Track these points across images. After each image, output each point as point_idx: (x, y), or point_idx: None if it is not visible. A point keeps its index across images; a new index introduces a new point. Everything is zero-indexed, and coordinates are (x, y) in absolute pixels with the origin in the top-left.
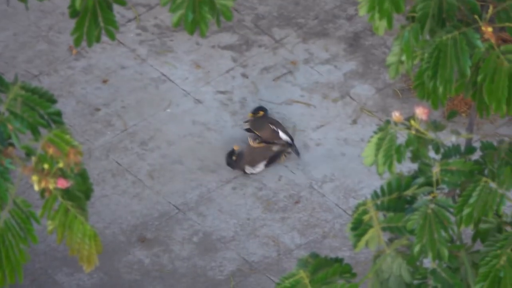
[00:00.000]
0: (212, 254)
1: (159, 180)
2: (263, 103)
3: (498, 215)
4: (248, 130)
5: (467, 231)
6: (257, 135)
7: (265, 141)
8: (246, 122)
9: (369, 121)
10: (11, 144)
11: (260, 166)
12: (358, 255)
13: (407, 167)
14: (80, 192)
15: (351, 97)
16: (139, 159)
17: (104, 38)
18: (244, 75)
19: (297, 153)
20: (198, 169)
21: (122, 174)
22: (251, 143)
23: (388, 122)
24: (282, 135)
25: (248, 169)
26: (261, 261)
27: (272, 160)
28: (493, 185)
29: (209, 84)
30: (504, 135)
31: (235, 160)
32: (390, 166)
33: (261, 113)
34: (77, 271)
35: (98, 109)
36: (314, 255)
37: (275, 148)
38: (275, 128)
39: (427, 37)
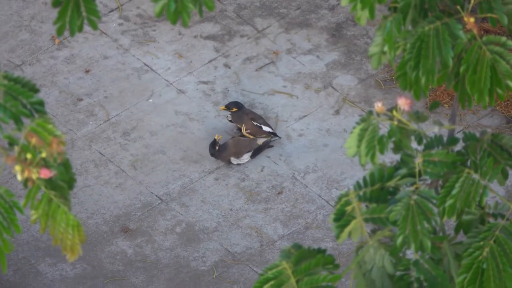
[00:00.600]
0: (195, 245)
1: (141, 170)
2: (245, 93)
3: (481, 206)
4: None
5: (451, 223)
6: (240, 128)
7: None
8: (230, 114)
9: (351, 111)
10: None
11: (246, 157)
12: (341, 246)
13: (390, 158)
14: (63, 182)
15: (333, 88)
16: (122, 149)
17: (87, 28)
18: (227, 65)
19: (278, 137)
20: (181, 160)
21: (104, 164)
22: (243, 131)
23: (370, 112)
24: (265, 128)
25: (234, 160)
26: (244, 252)
27: (257, 151)
28: (475, 176)
29: (191, 74)
30: (487, 126)
31: (218, 150)
32: (372, 157)
33: (234, 109)
34: (60, 261)
35: (80, 99)
36: (297, 246)
37: (259, 141)
38: (257, 124)
39: (410, 27)
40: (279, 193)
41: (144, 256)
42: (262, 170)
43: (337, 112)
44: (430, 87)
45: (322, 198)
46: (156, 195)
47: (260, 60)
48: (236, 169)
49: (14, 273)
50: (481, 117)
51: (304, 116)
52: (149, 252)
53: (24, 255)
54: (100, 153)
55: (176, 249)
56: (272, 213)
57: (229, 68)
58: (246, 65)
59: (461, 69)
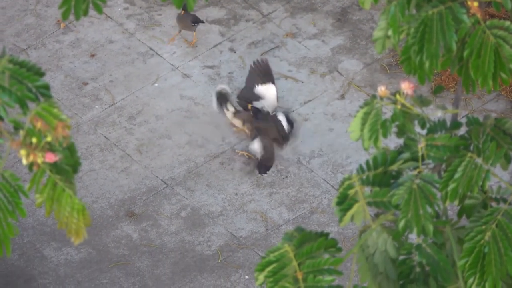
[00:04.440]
0: (200, 229)
1: (147, 154)
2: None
3: (483, 191)
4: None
5: (455, 207)
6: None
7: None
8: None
9: (357, 96)
10: None
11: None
12: (346, 230)
13: (395, 142)
14: (68, 166)
15: (339, 72)
16: (127, 134)
17: (92, 12)
18: (232, 50)
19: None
20: (186, 144)
21: (110, 148)
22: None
23: (374, 96)
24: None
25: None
26: (249, 236)
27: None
28: (478, 160)
29: (196, 59)
30: (492, 111)
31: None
32: (375, 141)
33: (250, 108)
34: (65, 246)
35: (86, 83)
36: (300, 229)
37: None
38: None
39: (414, 11)
40: (284, 177)
41: (149, 241)
42: None
43: (342, 97)
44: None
45: (327, 183)
46: (161, 180)
47: (265, 44)
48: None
49: (19, 257)
50: (486, 102)
51: (309, 100)
52: (154, 236)
53: (29, 239)
54: (106, 137)
55: (181, 234)
56: (277, 197)
57: (235, 52)
58: (252, 50)
59: (465, 53)
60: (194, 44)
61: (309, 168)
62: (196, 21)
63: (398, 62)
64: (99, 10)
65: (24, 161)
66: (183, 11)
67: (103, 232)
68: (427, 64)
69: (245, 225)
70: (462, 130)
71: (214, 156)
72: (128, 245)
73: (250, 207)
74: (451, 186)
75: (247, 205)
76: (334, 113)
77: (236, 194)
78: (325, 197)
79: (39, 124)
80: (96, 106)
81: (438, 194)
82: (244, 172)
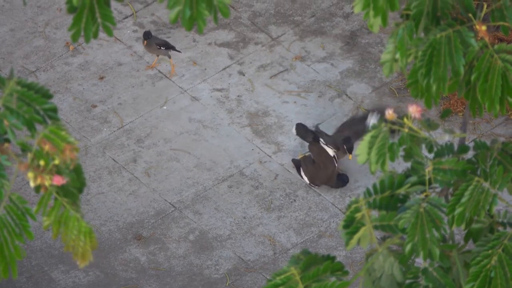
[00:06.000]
0: (208, 253)
1: (155, 177)
2: (261, 99)
3: (490, 215)
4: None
5: (462, 231)
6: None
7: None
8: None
9: None
10: (7, 140)
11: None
12: (354, 254)
13: (403, 166)
14: (74, 188)
15: (347, 96)
16: (136, 156)
17: (101, 34)
18: (241, 73)
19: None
20: (194, 167)
21: (118, 171)
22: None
23: (381, 120)
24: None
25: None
26: (257, 260)
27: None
28: (485, 184)
29: (205, 82)
30: (500, 135)
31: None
32: (382, 165)
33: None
34: (73, 269)
35: (94, 106)
36: (306, 252)
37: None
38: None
39: (422, 35)
40: (292, 201)
41: (157, 264)
42: (275, 178)
43: None
44: (442, 95)
45: (336, 207)
46: (170, 203)
47: (274, 67)
48: (250, 177)
49: (27, 280)
50: (495, 126)
51: (318, 124)
52: (162, 259)
53: (37, 262)
54: (114, 160)
55: (189, 257)
56: (285, 221)
57: (244, 75)
58: (260, 73)
59: (472, 77)
60: (153, 66)
61: (317, 192)
62: (165, 45)
63: (406, 85)
64: (109, 32)
65: (32, 184)
66: (145, 41)
67: (111, 255)
68: (434, 88)
69: (253, 248)
70: (470, 154)
71: (223, 179)
72: (136, 268)
73: (258, 230)
74: (458, 210)
75: (255, 229)
76: None
77: (244, 217)
78: (333, 221)
79: (47, 147)
80: (105, 129)
81: (445, 218)
82: (253, 195)
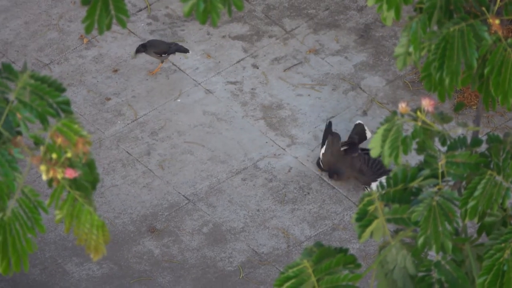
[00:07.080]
0: (222, 245)
1: (169, 170)
2: (275, 92)
3: (503, 208)
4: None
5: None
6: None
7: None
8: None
9: (379, 113)
10: (20, 133)
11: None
12: (368, 247)
13: (417, 159)
14: (87, 182)
15: (361, 89)
16: (150, 149)
17: (115, 27)
18: (255, 66)
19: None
20: (208, 160)
21: (132, 164)
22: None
23: (394, 113)
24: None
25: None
26: (271, 253)
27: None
28: (498, 178)
29: (219, 74)
30: None
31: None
32: (396, 158)
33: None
34: (86, 261)
35: (108, 99)
36: (319, 245)
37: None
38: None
39: (435, 28)
40: (306, 194)
41: (171, 256)
42: (289, 171)
43: (364, 113)
44: (456, 88)
45: (349, 199)
46: (183, 195)
47: (288, 60)
48: (264, 169)
49: (40, 272)
50: (509, 119)
51: (332, 117)
52: (176, 252)
53: (50, 254)
54: (128, 153)
55: (203, 250)
56: (299, 214)
57: (257, 68)
58: (274, 66)
59: (486, 70)
60: (154, 72)
61: (331, 185)
62: (166, 51)
63: (420, 79)
64: (123, 24)
65: (44, 177)
66: (135, 55)
67: (125, 248)
68: (447, 81)
69: (266, 241)
70: (483, 148)
71: (236, 172)
72: (149, 261)
73: (272, 223)
74: (471, 203)
75: (269, 222)
76: None
77: (258, 210)
78: (347, 214)
79: (59, 140)
80: (119, 122)
81: (458, 211)
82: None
